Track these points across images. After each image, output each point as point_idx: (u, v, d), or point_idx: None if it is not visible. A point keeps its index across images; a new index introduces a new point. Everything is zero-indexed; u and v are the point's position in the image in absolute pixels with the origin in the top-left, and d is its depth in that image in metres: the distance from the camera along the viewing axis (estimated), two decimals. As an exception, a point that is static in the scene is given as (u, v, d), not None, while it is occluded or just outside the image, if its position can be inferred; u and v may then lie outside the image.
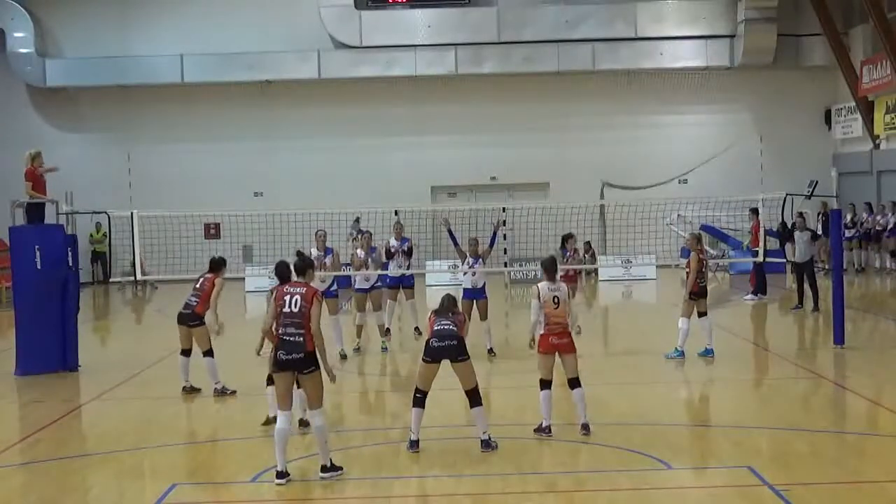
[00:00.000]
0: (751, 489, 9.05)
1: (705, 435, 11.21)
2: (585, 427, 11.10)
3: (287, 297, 9.74)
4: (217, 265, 14.26)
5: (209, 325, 13.96)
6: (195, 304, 13.99)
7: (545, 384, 11.12)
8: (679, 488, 9.44)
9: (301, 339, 9.61)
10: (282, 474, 9.58)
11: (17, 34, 32.29)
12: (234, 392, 13.79)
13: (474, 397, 10.48)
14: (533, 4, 32.53)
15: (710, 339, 15.86)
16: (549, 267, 11.34)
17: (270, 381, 11.79)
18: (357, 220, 25.74)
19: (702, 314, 15.86)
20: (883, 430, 11.46)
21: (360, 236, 18.18)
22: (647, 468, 9.79)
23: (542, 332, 11.07)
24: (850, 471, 9.60)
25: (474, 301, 16.24)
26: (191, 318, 13.98)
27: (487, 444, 10.46)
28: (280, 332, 9.71)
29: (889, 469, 9.64)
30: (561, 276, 18.51)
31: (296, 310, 9.66)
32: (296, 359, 9.60)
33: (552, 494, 9.14)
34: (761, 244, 22.46)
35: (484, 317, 16.35)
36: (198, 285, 14.13)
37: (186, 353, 14.11)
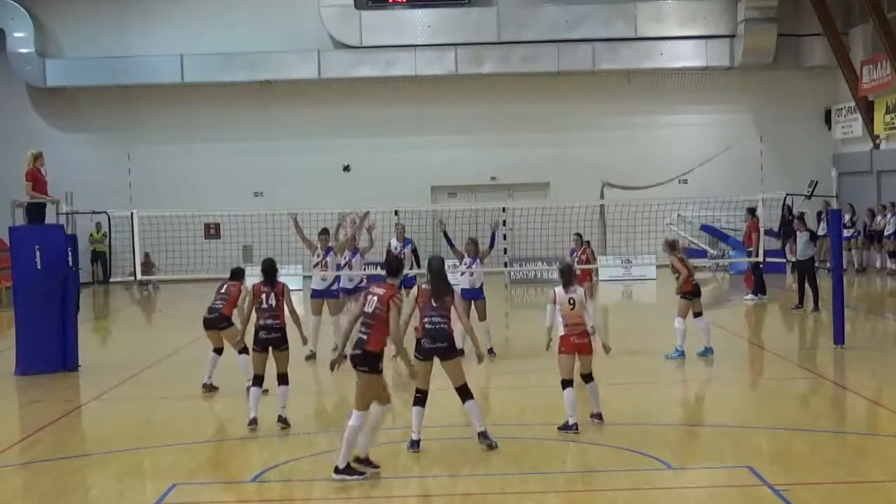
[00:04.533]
0: (751, 489, 9.04)
1: (705, 435, 11.21)
2: (598, 416, 11.42)
3: (368, 297, 9.88)
4: (239, 274, 14.25)
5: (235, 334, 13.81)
6: (221, 306, 13.86)
7: (567, 383, 11.22)
8: (679, 488, 9.44)
9: (365, 337, 9.70)
10: (363, 459, 9.71)
11: (17, 34, 32.30)
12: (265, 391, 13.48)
13: (465, 393, 10.52)
14: (533, 4, 32.52)
15: (708, 338, 15.86)
16: (566, 272, 11.47)
17: (256, 382, 11.82)
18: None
19: (697, 314, 15.83)
20: (883, 430, 11.46)
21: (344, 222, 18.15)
22: (647, 468, 9.78)
23: (562, 332, 11.21)
24: (850, 471, 9.59)
25: (472, 301, 16.21)
26: (220, 321, 13.88)
27: (486, 436, 10.46)
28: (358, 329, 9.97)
29: (889, 469, 9.64)
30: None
31: (369, 310, 9.77)
32: (354, 354, 9.72)
33: (552, 494, 9.13)
34: (755, 244, 22.53)
35: (482, 317, 16.31)
36: (223, 290, 14.05)
37: (219, 351, 14.04)
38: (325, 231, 17.13)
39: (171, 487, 9.47)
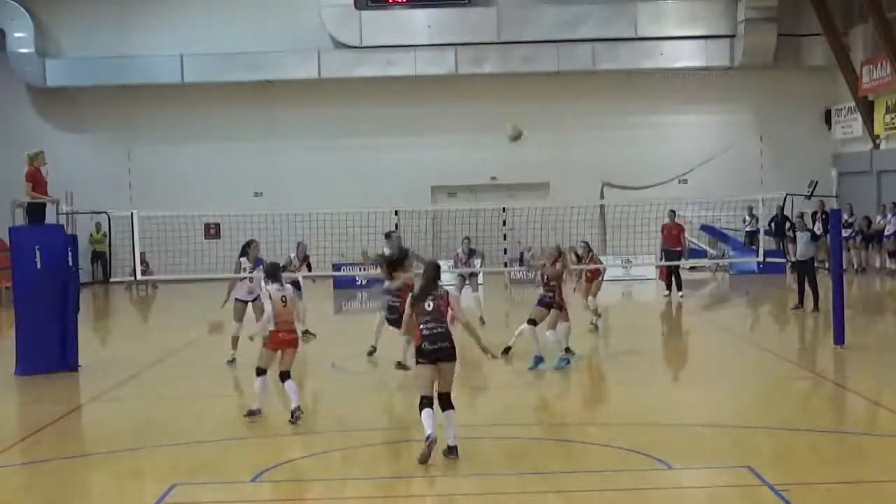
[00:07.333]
0: (751, 489, 9.04)
1: (705, 435, 11.21)
2: (296, 413, 11.71)
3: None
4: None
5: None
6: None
7: (261, 371, 12.00)
8: (679, 488, 9.44)
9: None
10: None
11: (17, 34, 32.28)
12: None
13: (447, 402, 10.19)
14: (533, 4, 32.51)
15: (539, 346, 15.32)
16: (272, 272, 12.36)
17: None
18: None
19: (534, 321, 15.30)
20: (883, 430, 11.45)
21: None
22: (647, 468, 9.78)
23: (272, 328, 11.90)
24: (850, 471, 9.60)
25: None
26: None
27: (454, 452, 10.03)
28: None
29: (889, 469, 9.64)
30: (585, 278, 18.71)
31: None
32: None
33: (552, 494, 9.12)
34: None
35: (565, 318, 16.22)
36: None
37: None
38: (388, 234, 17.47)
39: (171, 487, 9.47)
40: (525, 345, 15.42)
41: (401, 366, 14.66)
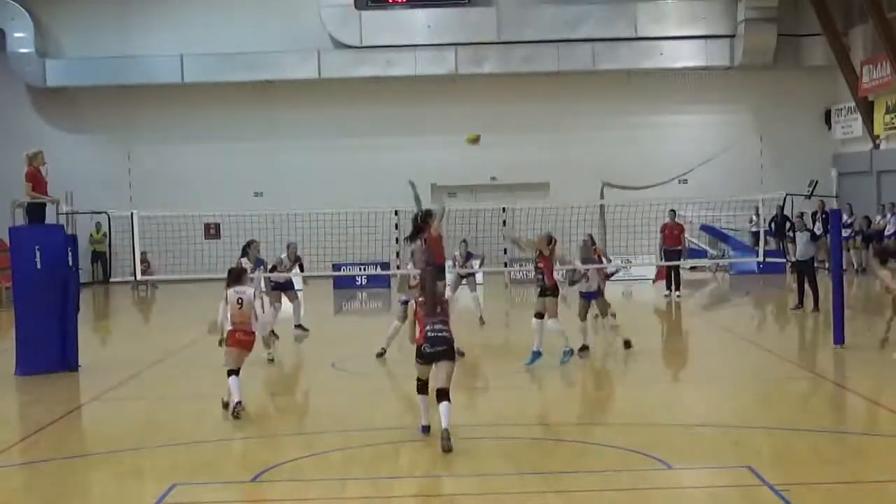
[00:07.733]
0: (751, 489, 9.04)
1: (705, 435, 11.21)
2: (236, 408, 12.09)
3: None
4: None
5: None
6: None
7: (233, 372, 12.32)
8: (679, 488, 9.44)
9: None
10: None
11: (17, 34, 32.29)
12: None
13: (444, 396, 10.50)
14: (533, 4, 32.52)
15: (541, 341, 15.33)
16: (236, 274, 12.91)
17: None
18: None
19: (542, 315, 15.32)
20: (883, 430, 11.45)
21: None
22: (647, 468, 9.78)
23: (230, 328, 12.40)
24: (850, 471, 9.59)
25: (591, 301, 16.51)
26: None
27: (446, 433, 10.36)
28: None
29: (889, 469, 9.64)
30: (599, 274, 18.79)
31: None
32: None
33: (552, 494, 9.12)
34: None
35: (605, 314, 16.56)
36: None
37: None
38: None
39: (171, 487, 9.47)
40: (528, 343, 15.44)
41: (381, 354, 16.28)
